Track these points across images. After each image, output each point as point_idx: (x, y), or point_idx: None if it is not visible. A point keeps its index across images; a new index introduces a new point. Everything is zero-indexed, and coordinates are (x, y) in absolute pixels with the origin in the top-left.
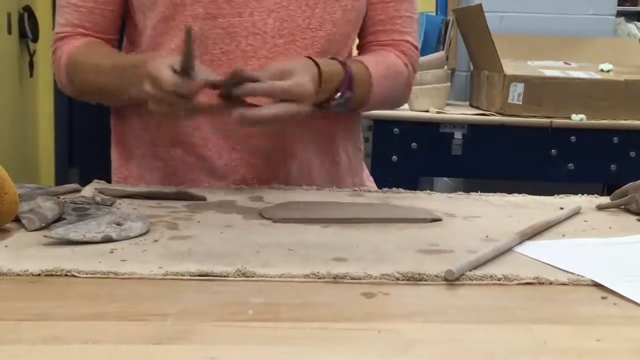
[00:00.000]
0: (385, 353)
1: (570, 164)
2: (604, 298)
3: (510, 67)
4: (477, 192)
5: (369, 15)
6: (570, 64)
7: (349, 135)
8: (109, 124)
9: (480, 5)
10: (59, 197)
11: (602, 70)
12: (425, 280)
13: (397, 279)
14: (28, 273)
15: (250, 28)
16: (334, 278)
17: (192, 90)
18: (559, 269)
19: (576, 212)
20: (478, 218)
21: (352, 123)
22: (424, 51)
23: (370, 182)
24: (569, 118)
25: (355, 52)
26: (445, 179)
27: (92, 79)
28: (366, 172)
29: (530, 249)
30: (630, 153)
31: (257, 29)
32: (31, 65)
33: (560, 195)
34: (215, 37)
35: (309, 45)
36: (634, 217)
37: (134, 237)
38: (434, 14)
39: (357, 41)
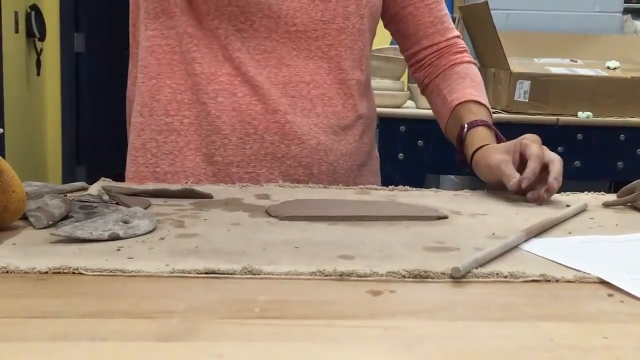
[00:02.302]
0: (392, 350)
1: (576, 162)
2: (610, 295)
3: (516, 64)
4: (483, 189)
5: (417, 20)
6: (576, 62)
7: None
8: (115, 122)
9: (486, 3)
10: (66, 195)
11: (608, 68)
12: (432, 278)
13: (404, 276)
14: (35, 271)
15: (266, 10)
16: (340, 275)
17: None
18: (565, 266)
19: (583, 210)
20: (484, 215)
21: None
22: None
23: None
24: (576, 115)
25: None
26: (451, 176)
27: None
28: None
29: (536, 246)
30: (637, 150)
31: (272, 12)
32: (38, 64)
33: (567, 193)
34: (230, 14)
35: (320, 37)
36: None
37: (140, 235)
38: None
39: (412, 49)
